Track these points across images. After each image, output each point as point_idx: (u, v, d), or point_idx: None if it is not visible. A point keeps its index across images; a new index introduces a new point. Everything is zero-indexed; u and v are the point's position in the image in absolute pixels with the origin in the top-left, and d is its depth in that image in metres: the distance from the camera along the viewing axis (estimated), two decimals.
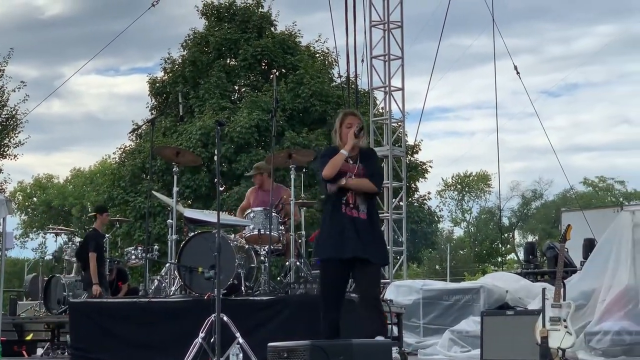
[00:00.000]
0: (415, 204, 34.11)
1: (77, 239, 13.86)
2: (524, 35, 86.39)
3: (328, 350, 5.55)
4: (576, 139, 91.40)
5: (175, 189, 10.29)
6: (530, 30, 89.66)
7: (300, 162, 10.97)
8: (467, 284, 14.83)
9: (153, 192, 12.82)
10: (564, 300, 8.31)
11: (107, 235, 13.61)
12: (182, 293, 9.69)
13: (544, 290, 8.54)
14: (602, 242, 10.20)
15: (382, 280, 13.08)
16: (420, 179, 33.86)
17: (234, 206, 23.61)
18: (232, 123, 29.39)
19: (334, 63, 33.10)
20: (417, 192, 34.90)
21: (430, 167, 34.52)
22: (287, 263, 10.21)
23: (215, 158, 7.90)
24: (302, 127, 30.54)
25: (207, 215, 9.91)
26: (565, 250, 11.86)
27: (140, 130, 32.00)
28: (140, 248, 13.00)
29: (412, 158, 31.55)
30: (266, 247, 9.83)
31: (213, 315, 7.38)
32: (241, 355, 7.53)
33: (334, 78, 32.46)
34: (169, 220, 10.28)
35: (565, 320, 8.14)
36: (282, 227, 10.25)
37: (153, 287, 10.77)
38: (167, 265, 10.18)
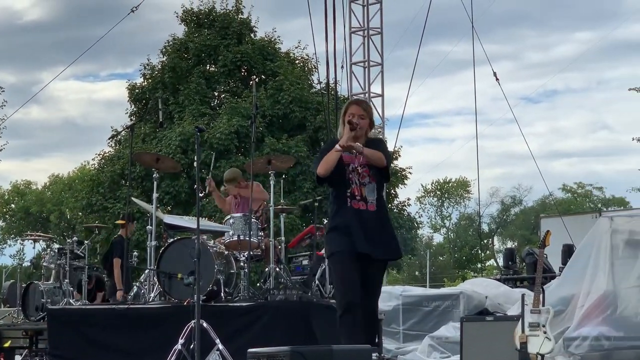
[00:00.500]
0: (395, 210, 34.12)
1: (56, 246, 13.77)
2: (504, 41, 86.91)
3: (308, 356, 5.54)
4: (555, 145, 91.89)
5: (154, 195, 10.26)
6: (510, 37, 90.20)
7: (280, 168, 10.97)
8: (447, 290, 14.86)
9: (132, 198, 12.77)
10: (543, 306, 8.34)
11: (85, 241, 13.56)
12: (161, 299, 9.66)
13: (523, 296, 8.57)
14: (580, 248, 10.23)
15: None
16: (399, 185, 33.88)
17: (214, 212, 23.61)
18: (212, 129, 29.36)
19: (314, 69, 33.09)
20: (397, 199, 34.92)
21: (410, 173, 34.57)
22: (266, 269, 10.21)
23: (195, 164, 7.86)
24: (281, 133, 30.53)
25: (187, 221, 9.91)
26: (544, 256, 11.91)
27: (119, 137, 31.90)
28: None
29: (391, 164, 31.60)
30: (246, 253, 9.82)
31: (192, 321, 7.37)
32: None
33: (313, 84, 32.48)
34: (149, 227, 10.25)
35: (544, 326, 8.17)
36: (261, 233, 10.25)
37: (132, 294, 10.74)
38: (147, 271, 10.15)
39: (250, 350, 6.01)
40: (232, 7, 33.47)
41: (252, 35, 33.65)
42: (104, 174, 32.09)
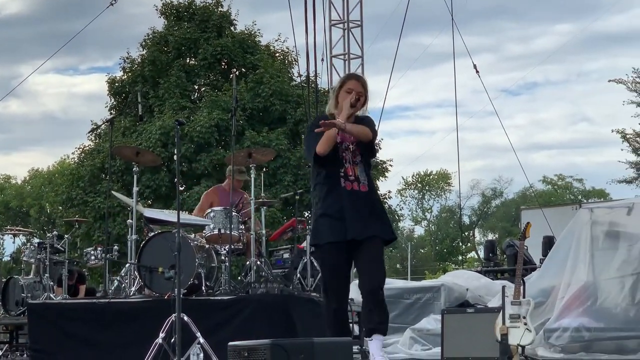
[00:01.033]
0: None
1: (36, 240, 13.72)
2: (484, 34, 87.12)
3: (288, 348, 5.54)
4: (536, 138, 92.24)
5: (135, 188, 10.23)
6: (490, 29, 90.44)
7: (260, 161, 10.96)
8: (428, 283, 14.88)
9: (112, 192, 12.75)
10: (524, 297, 8.35)
11: (66, 236, 13.52)
12: (142, 293, 9.63)
13: (503, 288, 8.58)
14: (560, 240, 10.26)
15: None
16: (380, 177, 33.91)
17: (194, 206, 23.54)
18: (192, 123, 29.31)
19: (294, 62, 33.12)
20: (378, 191, 34.95)
21: (391, 165, 34.61)
22: (247, 262, 10.19)
23: (175, 157, 7.82)
24: (262, 127, 30.51)
25: (167, 215, 9.88)
26: (525, 248, 11.94)
27: (99, 130, 31.82)
28: (99, 248, 12.92)
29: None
30: (227, 247, 9.81)
31: (173, 315, 7.35)
32: (202, 355, 7.50)
33: (293, 77, 32.46)
34: (129, 221, 10.21)
35: (524, 318, 8.18)
36: (242, 227, 10.23)
37: (113, 288, 10.71)
38: (127, 265, 10.12)
39: (230, 343, 6.00)
40: (212, 0, 33.39)
41: (232, 28, 33.60)
42: (84, 167, 31.98)
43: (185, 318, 7.54)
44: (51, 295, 12.31)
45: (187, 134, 28.95)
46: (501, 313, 8.29)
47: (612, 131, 32.11)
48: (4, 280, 13.82)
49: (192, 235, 10.28)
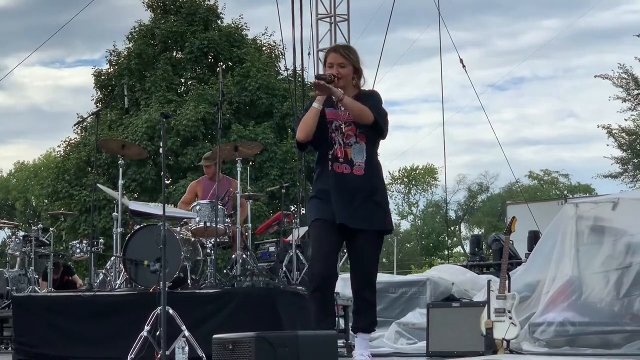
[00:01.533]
0: None
1: (21, 233, 13.66)
2: (471, 28, 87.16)
3: (273, 341, 5.53)
4: (522, 133, 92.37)
5: (120, 181, 10.20)
6: (478, 24, 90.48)
7: (247, 155, 10.93)
8: (414, 277, 14.88)
9: (98, 185, 12.70)
10: (509, 291, 8.37)
11: (51, 229, 13.48)
12: (127, 286, 9.61)
13: (489, 282, 8.60)
14: (546, 235, 10.27)
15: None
16: None
17: (180, 199, 23.53)
18: (179, 116, 29.30)
19: (281, 56, 33.12)
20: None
21: None
22: (233, 256, 10.19)
23: (161, 150, 7.80)
24: (248, 120, 30.52)
25: (153, 208, 9.85)
26: (510, 242, 11.94)
27: (85, 123, 31.75)
28: (85, 242, 12.88)
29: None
30: (212, 240, 9.80)
31: (158, 308, 7.33)
32: (187, 348, 7.48)
33: (280, 71, 32.50)
34: (114, 214, 10.19)
35: (509, 312, 8.20)
36: (228, 220, 10.22)
37: (98, 281, 10.69)
38: (112, 258, 10.09)
39: (215, 336, 5.99)
40: None
41: (218, 21, 33.59)
42: (69, 161, 31.94)
43: (171, 311, 7.52)
44: (36, 288, 12.27)
45: (174, 127, 28.94)
46: (486, 307, 8.31)
47: (598, 126, 32.23)
48: None
49: (178, 229, 10.27)
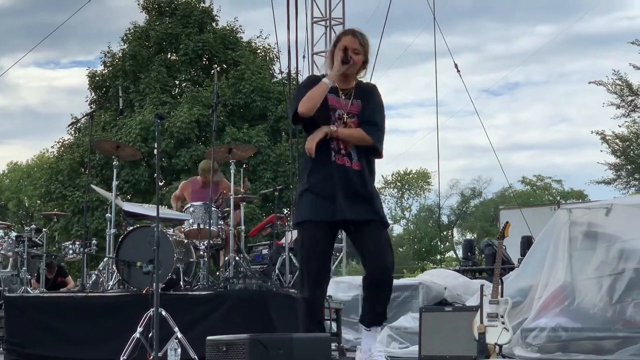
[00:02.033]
0: None
1: (13, 234, 13.64)
2: (466, 33, 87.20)
3: (267, 343, 5.53)
4: (516, 138, 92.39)
5: (114, 182, 10.19)
6: (473, 29, 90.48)
7: (241, 157, 10.94)
8: (406, 281, 14.87)
9: (92, 185, 12.68)
10: (502, 296, 8.38)
11: (44, 229, 13.46)
12: (120, 287, 9.60)
13: (482, 286, 8.60)
14: (539, 240, 10.28)
15: None
16: None
17: None
18: (173, 118, 29.30)
19: (275, 59, 33.16)
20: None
21: None
22: (226, 258, 10.18)
23: (155, 151, 7.77)
24: (242, 123, 30.51)
25: (146, 209, 9.85)
26: (503, 247, 11.96)
27: (79, 124, 31.72)
28: (78, 243, 12.88)
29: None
30: (205, 242, 9.79)
31: (151, 309, 7.33)
32: (179, 350, 7.48)
33: (275, 74, 32.50)
34: (108, 215, 10.18)
35: (502, 317, 8.21)
36: (221, 222, 10.22)
37: (90, 282, 10.68)
38: (105, 259, 10.08)
39: (209, 338, 5.98)
40: None
41: (213, 24, 33.60)
42: (63, 161, 31.92)
43: (163, 313, 7.52)
44: (28, 289, 12.26)
45: (167, 129, 28.93)
46: (479, 312, 8.32)
47: (592, 132, 32.24)
48: None
49: (171, 230, 10.26)
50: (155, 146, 7.63)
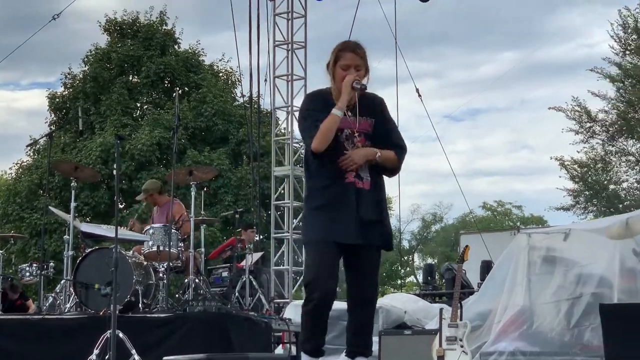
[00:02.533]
0: None
1: None
2: (429, 59, 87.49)
3: None
4: (478, 164, 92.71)
5: (72, 204, 10.10)
6: (435, 55, 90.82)
7: (201, 179, 10.90)
8: None
9: (50, 207, 12.58)
10: (461, 320, 8.39)
11: (0, 251, 13.31)
12: (77, 310, 9.51)
13: (441, 310, 8.62)
14: (498, 264, 10.32)
15: (281, 300, 13.10)
16: None
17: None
18: (134, 140, 29.18)
19: (237, 82, 33.15)
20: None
21: None
22: (186, 280, 10.13)
23: (115, 172, 7.73)
24: (204, 146, 30.47)
25: (105, 230, 9.78)
26: (463, 271, 11.99)
27: (38, 146, 31.49)
28: (35, 265, 12.73)
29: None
30: (165, 264, 9.73)
31: (108, 331, 7.26)
32: None
33: (236, 97, 32.49)
34: (66, 236, 10.10)
35: (461, 340, 8.22)
36: (181, 244, 10.17)
37: (47, 304, 10.56)
38: (62, 281, 9.98)
39: (165, 358, 5.95)
40: (157, 18, 33.32)
41: (176, 46, 33.56)
42: (21, 183, 31.62)
43: (121, 335, 7.46)
44: None
45: (128, 151, 28.81)
46: (438, 335, 8.32)
47: (551, 158, 32.46)
48: None
49: (130, 252, 10.19)
50: (115, 166, 7.59)
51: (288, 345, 9.93)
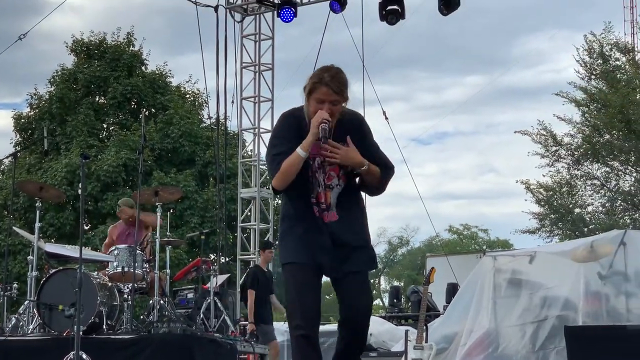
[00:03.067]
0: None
1: None
2: (396, 82, 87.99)
3: None
4: (444, 187, 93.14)
5: (37, 224, 10.02)
6: (403, 78, 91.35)
7: (167, 200, 10.86)
8: (332, 327, 14.84)
9: (14, 228, 12.47)
10: (426, 342, 8.41)
11: None
12: (40, 331, 9.41)
13: (406, 332, 8.65)
14: (464, 287, 10.37)
15: (246, 322, 13.03)
16: None
17: (99, 245, 23.24)
18: (100, 161, 29.02)
19: (204, 104, 33.10)
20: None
21: None
22: (151, 302, 10.06)
23: (80, 191, 7.67)
24: (170, 167, 30.36)
25: (69, 250, 9.70)
26: (429, 294, 12.01)
27: (2, 166, 31.24)
28: None
29: (280, 201, 31.63)
30: (130, 285, 9.66)
31: (71, 353, 7.20)
32: None
33: (203, 119, 32.42)
34: (30, 257, 10.00)
35: None
36: (146, 265, 10.11)
37: (10, 325, 10.45)
38: (26, 302, 9.88)
39: None
40: (124, 39, 33.21)
41: (143, 68, 33.44)
42: None
43: (84, 356, 7.40)
44: None
45: (94, 172, 28.67)
46: (404, 357, 8.33)
47: (517, 182, 32.57)
48: None
49: (95, 273, 10.11)
50: (80, 185, 7.54)
51: None
